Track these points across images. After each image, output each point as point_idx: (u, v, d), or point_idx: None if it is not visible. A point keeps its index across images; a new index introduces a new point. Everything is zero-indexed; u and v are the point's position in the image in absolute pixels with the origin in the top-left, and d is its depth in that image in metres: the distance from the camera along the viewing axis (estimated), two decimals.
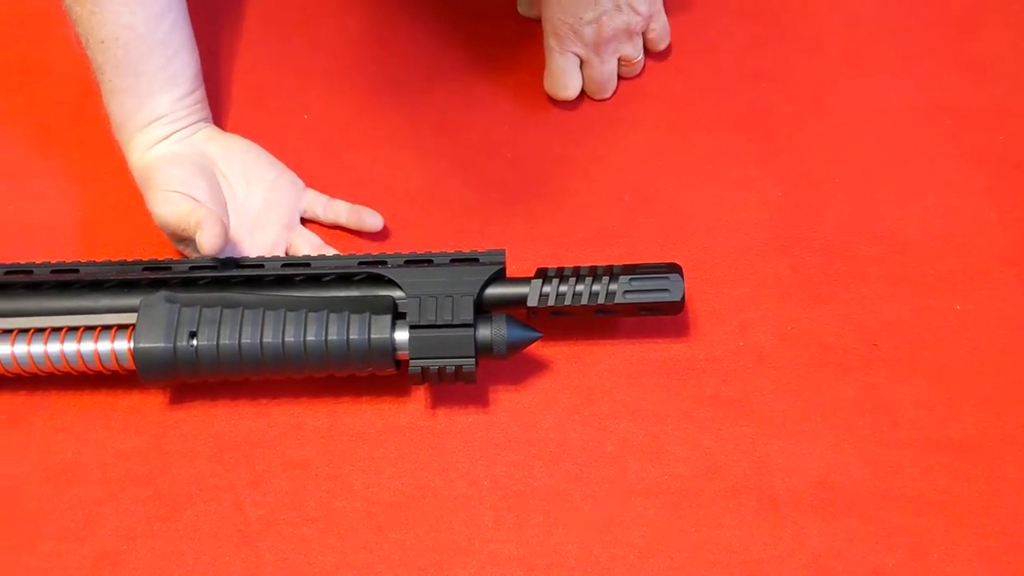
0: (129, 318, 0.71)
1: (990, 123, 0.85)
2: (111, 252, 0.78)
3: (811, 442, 0.72)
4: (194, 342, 0.69)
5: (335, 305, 0.71)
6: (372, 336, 0.70)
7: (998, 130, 0.84)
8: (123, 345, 0.70)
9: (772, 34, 0.90)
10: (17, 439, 0.73)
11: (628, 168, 0.83)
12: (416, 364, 0.70)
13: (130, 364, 0.70)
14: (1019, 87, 0.86)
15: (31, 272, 0.74)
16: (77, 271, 0.74)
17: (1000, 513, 0.69)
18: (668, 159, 0.83)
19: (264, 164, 0.81)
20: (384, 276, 0.73)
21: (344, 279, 0.74)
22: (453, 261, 0.73)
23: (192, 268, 0.73)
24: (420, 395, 0.74)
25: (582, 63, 0.84)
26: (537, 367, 0.75)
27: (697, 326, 0.76)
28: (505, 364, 0.73)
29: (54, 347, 0.70)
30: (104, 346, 0.70)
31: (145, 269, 0.74)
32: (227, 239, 0.73)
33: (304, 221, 0.81)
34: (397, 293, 0.72)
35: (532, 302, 0.72)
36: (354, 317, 0.70)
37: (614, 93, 0.87)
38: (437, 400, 0.74)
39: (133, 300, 0.72)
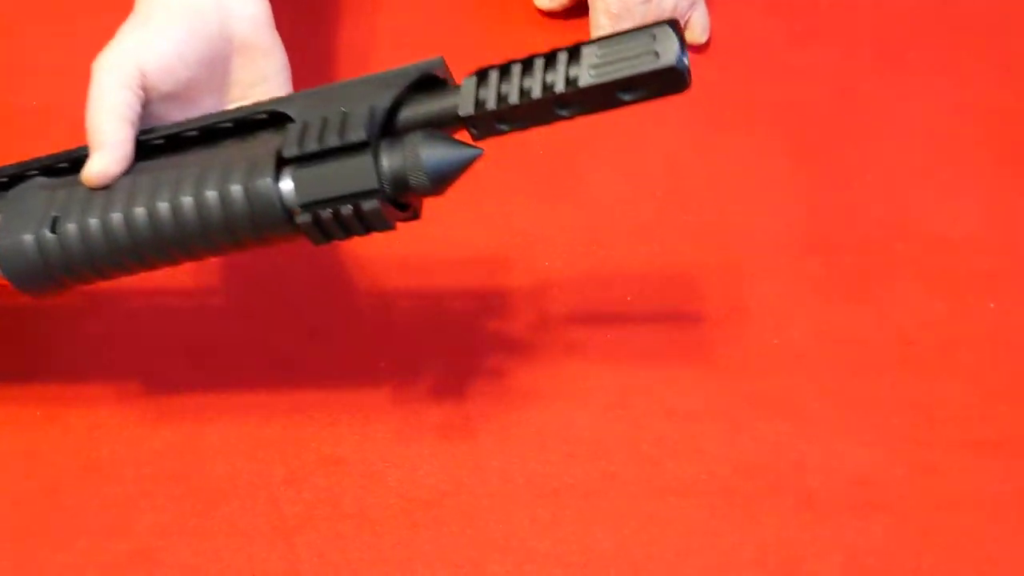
0: None
1: None
2: None
3: (848, 441, 0.71)
4: (57, 228, 0.57)
5: (215, 159, 0.56)
6: (250, 183, 0.53)
7: None
8: None
9: (808, 32, 0.89)
10: (54, 436, 0.73)
11: (661, 163, 0.83)
12: (305, 213, 0.53)
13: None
14: None
15: None
16: None
17: None
18: (702, 155, 0.83)
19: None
20: (286, 115, 0.56)
21: (244, 129, 0.59)
22: (375, 80, 0.55)
23: (82, 148, 0.60)
24: (455, 392, 0.74)
25: None
26: (572, 365, 0.75)
27: (732, 324, 0.76)
28: (539, 362, 0.73)
29: None
30: None
31: (40, 161, 0.62)
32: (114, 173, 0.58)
33: None
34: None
35: (466, 109, 0.52)
36: (231, 164, 0.54)
37: None
38: (471, 397, 0.74)
39: None
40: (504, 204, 0.82)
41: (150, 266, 0.59)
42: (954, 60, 0.88)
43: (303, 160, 0.53)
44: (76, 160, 0.61)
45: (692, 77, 0.49)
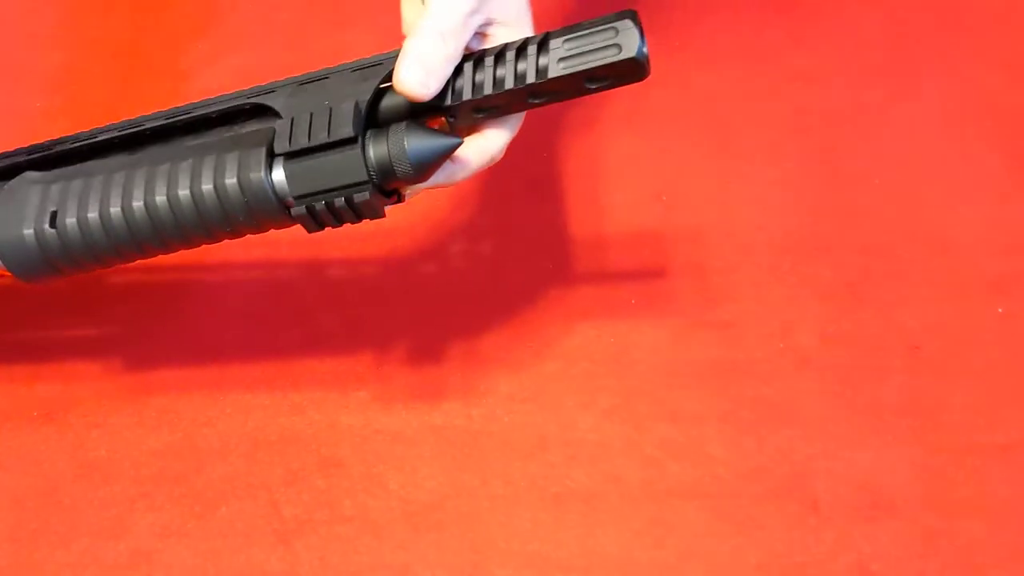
0: None
1: None
2: None
3: (853, 445, 0.71)
4: (56, 222, 0.60)
5: (206, 150, 0.59)
6: (244, 176, 0.57)
7: None
8: None
9: (811, 33, 0.89)
10: (51, 436, 0.73)
11: (665, 167, 0.83)
12: (300, 205, 0.57)
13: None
14: None
15: None
16: None
17: None
18: (706, 159, 0.83)
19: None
20: (271, 108, 0.59)
21: (229, 119, 0.61)
22: (353, 71, 0.59)
23: (73, 141, 0.64)
24: (456, 394, 0.74)
25: None
26: (575, 367, 0.74)
27: (737, 327, 0.75)
28: (541, 364, 0.72)
29: None
30: None
31: (26, 152, 0.65)
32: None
33: None
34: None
35: (443, 99, 0.57)
36: (223, 157, 0.57)
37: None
38: (473, 399, 0.73)
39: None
40: (506, 206, 0.81)
41: (147, 255, 0.62)
42: (962, 63, 0.87)
43: (294, 155, 0.56)
44: (63, 154, 0.63)
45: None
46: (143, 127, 0.62)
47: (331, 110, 0.56)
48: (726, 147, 0.83)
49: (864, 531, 0.68)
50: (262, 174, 0.56)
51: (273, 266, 0.77)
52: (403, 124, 0.56)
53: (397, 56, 0.58)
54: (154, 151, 0.61)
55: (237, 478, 0.71)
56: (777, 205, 0.80)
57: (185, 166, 0.58)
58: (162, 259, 0.70)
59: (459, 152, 0.60)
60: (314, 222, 0.58)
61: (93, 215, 0.59)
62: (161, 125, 0.62)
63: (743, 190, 0.81)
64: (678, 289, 0.77)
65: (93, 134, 0.64)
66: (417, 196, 0.64)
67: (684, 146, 0.84)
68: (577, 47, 0.54)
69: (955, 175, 0.81)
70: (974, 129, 0.83)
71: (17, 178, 0.62)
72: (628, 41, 0.53)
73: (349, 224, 0.59)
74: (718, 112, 0.85)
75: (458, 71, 0.57)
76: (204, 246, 0.62)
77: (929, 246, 0.78)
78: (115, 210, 0.58)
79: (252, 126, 0.60)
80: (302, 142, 0.56)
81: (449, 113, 0.58)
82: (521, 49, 0.56)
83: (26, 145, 0.66)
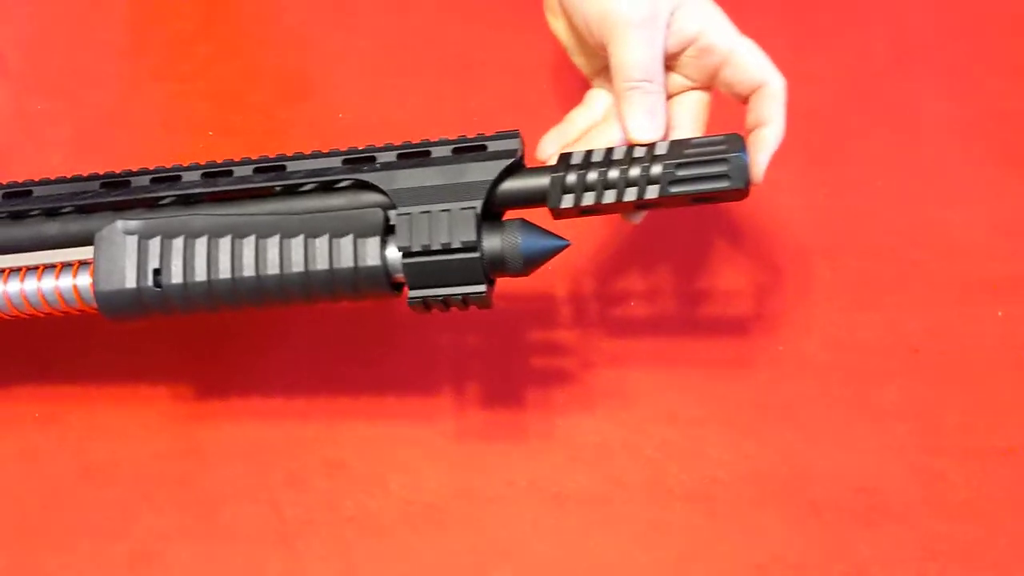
0: (89, 251, 0.64)
1: None
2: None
3: (853, 448, 0.71)
4: (160, 279, 0.62)
5: (315, 225, 0.61)
6: (360, 265, 0.60)
7: None
8: (85, 281, 0.65)
9: (817, 37, 0.89)
10: (54, 438, 0.73)
11: None
12: (417, 296, 0.61)
13: (95, 303, 0.64)
14: None
15: None
16: (30, 193, 0.67)
17: None
18: None
19: None
20: (370, 183, 0.62)
21: (326, 185, 0.63)
22: (456, 151, 0.62)
23: (153, 180, 0.65)
24: (458, 396, 0.74)
25: None
26: (576, 369, 0.74)
27: (738, 330, 0.75)
28: (542, 366, 0.73)
29: (14, 287, 0.66)
30: (66, 283, 0.65)
31: (102, 186, 0.66)
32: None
33: None
34: (388, 199, 0.62)
35: (554, 201, 0.60)
36: (337, 242, 0.61)
37: None
38: (475, 401, 0.73)
39: (91, 224, 0.64)
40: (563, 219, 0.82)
41: (241, 309, 0.64)
42: (965, 66, 0.87)
43: (414, 254, 0.60)
44: (149, 200, 0.64)
45: None
46: (237, 188, 0.64)
47: (450, 213, 0.59)
48: None
49: (863, 534, 0.68)
50: (379, 263, 0.60)
51: None
52: (517, 223, 0.60)
53: (499, 138, 0.61)
54: (250, 207, 0.63)
55: (239, 480, 0.71)
56: (779, 208, 0.80)
57: (296, 244, 0.61)
58: None
59: None
60: (425, 309, 0.61)
61: (200, 279, 0.62)
62: (258, 187, 0.64)
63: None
64: (678, 292, 0.77)
65: (176, 175, 0.65)
66: None
67: None
68: (687, 174, 0.58)
69: (956, 179, 0.81)
70: (976, 133, 0.83)
71: (109, 227, 0.63)
72: (737, 172, 0.57)
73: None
74: (723, 115, 0.85)
75: (568, 171, 0.59)
76: None
77: (930, 249, 0.78)
78: (223, 277, 0.62)
79: (352, 195, 0.62)
80: (423, 242, 0.59)
81: (556, 212, 0.61)
82: (631, 162, 0.59)
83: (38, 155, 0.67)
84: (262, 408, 0.74)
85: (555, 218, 0.62)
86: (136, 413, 0.74)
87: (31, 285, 0.65)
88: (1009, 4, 0.90)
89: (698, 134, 0.66)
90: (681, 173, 0.58)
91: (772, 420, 0.72)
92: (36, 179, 0.68)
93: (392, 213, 0.61)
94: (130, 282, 0.62)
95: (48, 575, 0.68)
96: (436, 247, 0.59)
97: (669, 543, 0.68)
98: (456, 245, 0.59)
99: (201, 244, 0.62)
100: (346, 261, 0.60)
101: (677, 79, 0.66)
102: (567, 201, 0.60)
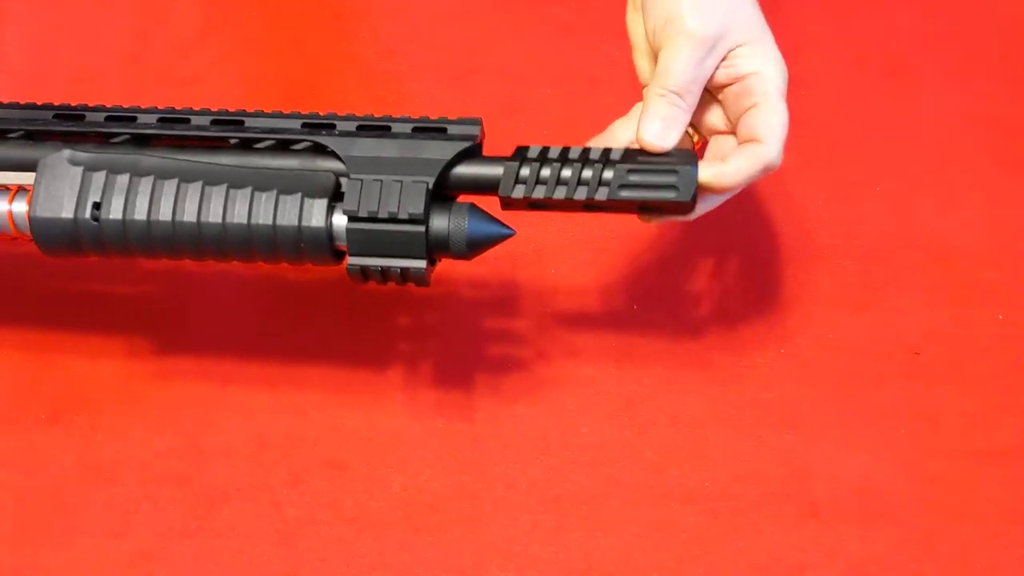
0: (31, 178, 0.63)
1: None
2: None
3: (852, 449, 0.71)
4: (98, 214, 0.61)
5: (265, 180, 0.61)
6: (304, 225, 0.60)
7: None
8: (22, 208, 0.63)
9: (810, 42, 0.89)
10: (57, 437, 0.73)
11: None
12: (355, 263, 0.61)
13: (29, 231, 0.63)
14: None
15: None
16: None
17: None
18: None
19: None
20: (328, 146, 0.62)
21: (283, 144, 0.63)
22: (416, 130, 0.62)
23: (108, 119, 0.64)
24: (459, 397, 0.74)
25: None
26: (576, 371, 0.74)
27: (738, 332, 0.76)
28: (543, 368, 0.73)
29: None
30: (1, 207, 0.63)
31: (55, 117, 0.65)
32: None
33: None
34: (343, 166, 0.61)
35: (505, 190, 0.60)
36: (284, 199, 0.60)
37: None
38: (476, 402, 0.74)
39: (38, 154, 0.63)
40: (506, 212, 0.82)
41: (177, 259, 0.63)
42: (960, 70, 0.88)
43: (360, 218, 0.59)
44: (101, 134, 0.64)
45: None
46: (192, 134, 0.63)
47: (402, 184, 0.59)
48: None
49: (862, 535, 0.68)
50: (323, 224, 0.60)
51: (278, 268, 0.77)
52: (466, 206, 0.60)
53: (460, 123, 0.62)
54: (203, 157, 0.62)
55: (240, 479, 0.71)
56: (777, 212, 0.81)
57: (243, 195, 0.60)
58: (167, 263, 0.70)
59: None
60: (363, 278, 0.61)
61: (140, 219, 0.61)
62: (214, 136, 0.63)
63: (743, 197, 0.81)
64: (678, 295, 0.77)
65: (132, 116, 0.64)
66: None
67: None
68: (639, 180, 0.59)
69: (954, 182, 0.82)
70: (973, 137, 0.84)
71: (55, 155, 0.62)
72: (685, 185, 0.59)
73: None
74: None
75: (523, 164, 0.60)
76: None
77: (928, 253, 0.78)
78: (163, 219, 0.60)
79: (307, 158, 0.62)
80: (370, 209, 0.59)
81: (505, 202, 0.61)
82: (586, 163, 0.59)
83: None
84: (264, 407, 0.74)
85: (503, 208, 0.62)
86: (139, 413, 0.74)
87: None
88: (1004, 9, 0.91)
89: None
90: (632, 179, 0.59)
91: (772, 422, 0.72)
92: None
93: (344, 181, 0.61)
94: (67, 212, 0.61)
95: (50, 574, 0.68)
96: (383, 215, 0.59)
97: (669, 544, 0.68)
98: (403, 216, 0.59)
99: (146, 183, 0.61)
100: (290, 219, 0.60)
101: (717, 113, 0.65)
102: (518, 191, 0.60)
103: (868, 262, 0.78)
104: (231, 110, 0.65)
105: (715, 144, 0.66)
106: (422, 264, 0.60)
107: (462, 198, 0.63)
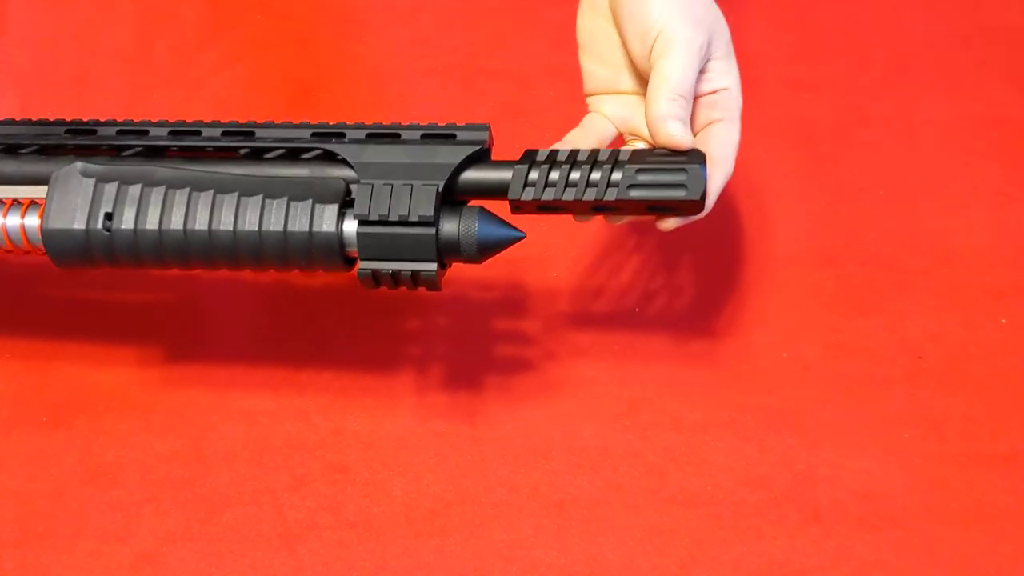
0: (43, 191, 0.64)
1: None
2: None
3: (855, 454, 0.71)
4: (110, 224, 0.61)
5: (276, 188, 0.61)
6: (315, 230, 0.60)
7: None
8: (34, 221, 0.64)
9: (816, 44, 0.89)
10: (59, 441, 0.73)
11: None
12: (366, 267, 0.61)
13: (41, 244, 0.63)
14: None
15: None
16: None
17: None
18: None
19: None
20: (338, 154, 0.62)
21: (293, 154, 0.64)
22: (425, 136, 0.62)
23: (120, 132, 0.65)
24: (461, 401, 0.74)
25: None
26: (579, 374, 0.74)
27: (741, 336, 0.76)
28: (546, 372, 0.73)
29: None
30: (13, 222, 0.64)
31: (68, 132, 0.66)
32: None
33: None
34: (352, 174, 0.62)
35: (515, 193, 0.61)
36: (295, 205, 0.60)
37: None
38: (478, 406, 0.74)
39: (51, 168, 0.64)
40: (508, 216, 0.82)
41: (188, 269, 0.64)
42: (964, 74, 0.87)
43: (370, 222, 0.60)
44: (113, 147, 0.64)
45: None
46: (204, 146, 0.64)
47: (412, 188, 0.60)
48: None
49: (865, 540, 0.68)
50: (334, 229, 0.60)
51: (281, 273, 0.77)
52: (476, 209, 0.61)
53: (469, 129, 0.62)
54: (214, 168, 0.63)
55: (242, 483, 0.71)
56: (781, 215, 0.81)
57: (254, 203, 0.60)
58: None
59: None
60: (374, 283, 0.61)
61: (151, 228, 0.61)
62: (224, 147, 0.64)
63: (746, 200, 0.81)
64: (681, 298, 0.77)
65: (143, 129, 0.65)
66: None
67: None
68: (648, 179, 0.59)
69: (958, 186, 0.82)
70: (977, 141, 0.84)
71: (67, 168, 0.63)
72: (694, 184, 0.58)
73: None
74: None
75: (532, 167, 0.60)
76: None
77: (932, 257, 0.78)
78: (175, 228, 0.61)
79: (318, 166, 0.63)
80: (381, 212, 0.59)
81: (515, 205, 0.61)
82: (595, 164, 0.59)
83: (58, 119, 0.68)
84: (266, 412, 0.74)
85: (513, 212, 0.62)
86: (141, 417, 0.74)
87: None
88: (1008, 13, 0.91)
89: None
90: (641, 179, 0.59)
91: (775, 426, 0.72)
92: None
93: (354, 187, 0.61)
94: (79, 223, 0.61)
95: None
96: (393, 218, 0.60)
97: (671, 549, 0.68)
98: (413, 219, 0.59)
99: (158, 193, 0.61)
100: (301, 225, 0.60)
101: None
102: (528, 194, 0.60)
103: (872, 266, 0.78)
104: (239, 120, 0.66)
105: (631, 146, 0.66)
106: (432, 267, 0.60)
107: (472, 203, 0.63)
